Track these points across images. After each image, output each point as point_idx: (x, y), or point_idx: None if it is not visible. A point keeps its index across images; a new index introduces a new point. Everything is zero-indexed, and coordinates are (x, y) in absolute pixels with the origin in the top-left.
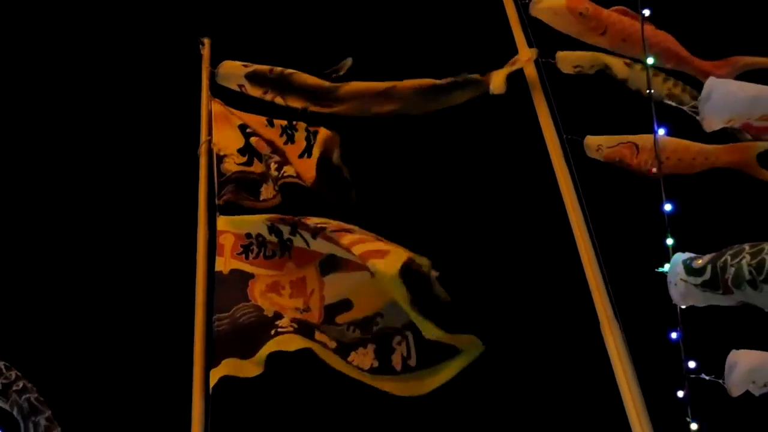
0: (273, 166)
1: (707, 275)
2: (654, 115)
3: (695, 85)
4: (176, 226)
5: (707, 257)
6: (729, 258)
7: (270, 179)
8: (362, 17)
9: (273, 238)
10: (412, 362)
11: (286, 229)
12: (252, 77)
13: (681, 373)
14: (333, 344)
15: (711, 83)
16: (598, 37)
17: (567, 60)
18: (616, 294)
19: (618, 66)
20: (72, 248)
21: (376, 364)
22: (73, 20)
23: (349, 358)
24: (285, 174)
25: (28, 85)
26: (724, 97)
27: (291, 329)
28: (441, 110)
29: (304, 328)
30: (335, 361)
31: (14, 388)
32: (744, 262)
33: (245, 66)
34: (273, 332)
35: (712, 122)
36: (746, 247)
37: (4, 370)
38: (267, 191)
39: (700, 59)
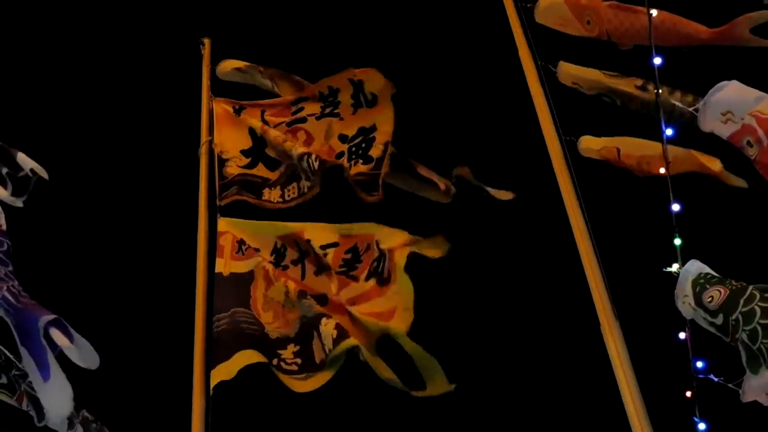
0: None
1: (719, 321)
2: (662, 118)
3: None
4: (176, 226)
5: (716, 296)
6: (741, 319)
7: (278, 185)
8: (363, 18)
9: (270, 257)
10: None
11: (292, 254)
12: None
13: (681, 374)
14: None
15: (727, 82)
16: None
17: (567, 73)
18: (616, 294)
19: (622, 89)
20: (72, 248)
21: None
22: (73, 21)
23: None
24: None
25: (29, 85)
26: (735, 91)
27: (295, 368)
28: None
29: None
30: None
31: (29, 379)
32: (756, 339)
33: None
34: (276, 363)
35: (708, 116)
36: (757, 309)
37: (16, 362)
38: (271, 195)
39: (705, 27)
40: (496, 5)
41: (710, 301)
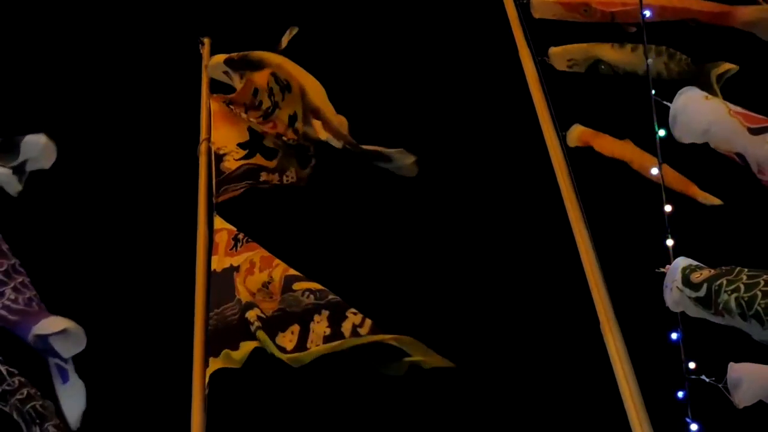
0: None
1: (702, 292)
2: (654, 114)
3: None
4: (176, 226)
5: (705, 273)
6: (725, 282)
7: (276, 171)
8: (361, 16)
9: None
10: (363, 331)
11: None
12: (230, 63)
13: (681, 374)
14: (295, 330)
15: (676, 106)
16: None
17: (560, 55)
18: (616, 294)
19: (609, 53)
20: (71, 247)
21: (328, 332)
22: (73, 20)
23: (310, 338)
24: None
25: (29, 83)
26: (686, 125)
27: (258, 325)
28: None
29: (267, 325)
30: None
31: (18, 396)
32: (738, 293)
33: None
34: (252, 329)
35: (682, 139)
36: (743, 276)
37: (7, 377)
38: (269, 177)
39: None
40: (495, 2)
41: (697, 277)
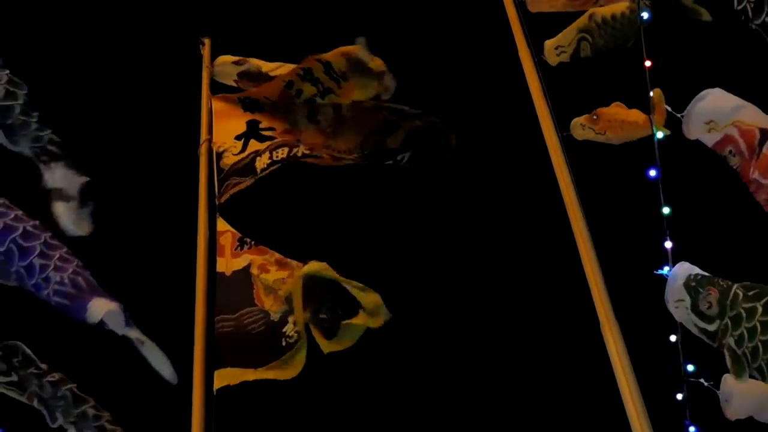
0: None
1: (712, 328)
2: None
3: None
4: (176, 227)
5: (713, 301)
6: (731, 325)
7: (267, 150)
8: (361, 15)
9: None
10: None
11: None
12: (246, 75)
13: (680, 375)
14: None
15: (709, 90)
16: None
17: (551, 48)
18: (616, 294)
19: (585, 22)
20: (72, 250)
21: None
22: (74, 20)
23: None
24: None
25: (29, 83)
26: (716, 100)
27: (296, 337)
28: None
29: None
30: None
31: (48, 378)
32: (741, 346)
33: (237, 64)
34: (283, 343)
35: (692, 125)
36: (743, 312)
37: (36, 360)
38: (261, 162)
39: None
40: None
41: (708, 308)
